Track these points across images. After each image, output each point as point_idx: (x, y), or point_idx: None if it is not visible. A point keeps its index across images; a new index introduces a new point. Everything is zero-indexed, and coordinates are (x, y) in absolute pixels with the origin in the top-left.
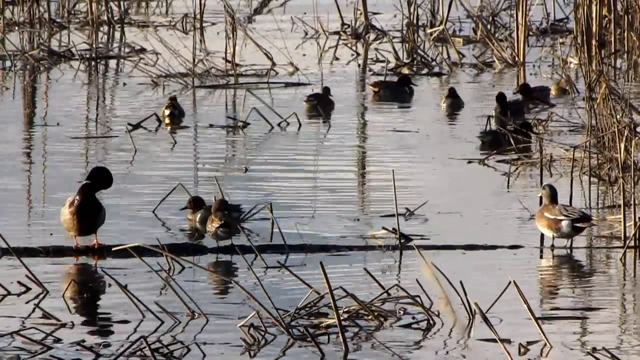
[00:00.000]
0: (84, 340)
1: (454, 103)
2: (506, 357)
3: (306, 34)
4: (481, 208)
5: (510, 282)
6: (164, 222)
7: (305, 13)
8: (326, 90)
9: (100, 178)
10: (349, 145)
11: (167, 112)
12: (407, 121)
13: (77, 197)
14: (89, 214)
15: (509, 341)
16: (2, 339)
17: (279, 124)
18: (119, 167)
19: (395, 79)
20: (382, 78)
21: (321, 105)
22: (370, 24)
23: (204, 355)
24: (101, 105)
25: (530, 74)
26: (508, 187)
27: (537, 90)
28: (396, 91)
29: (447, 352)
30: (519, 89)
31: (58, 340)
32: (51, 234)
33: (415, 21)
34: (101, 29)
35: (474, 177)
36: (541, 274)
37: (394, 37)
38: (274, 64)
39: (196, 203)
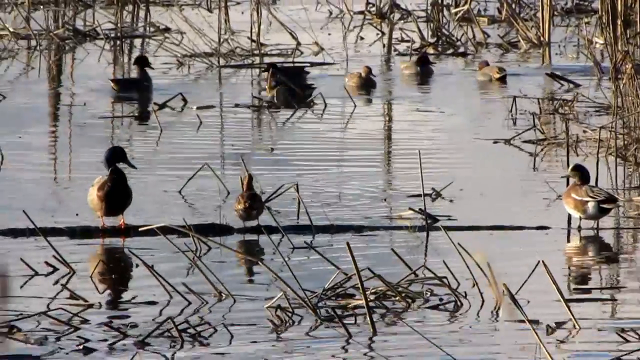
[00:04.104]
0: (111, 321)
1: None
2: (535, 339)
3: (331, 13)
4: (507, 188)
5: (538, 262)
6: (190, 202)
7: None
8: (368, 69)
9: (117, 156)
10: (375, 126)
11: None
12: (431, 101)
13: (108, 182)
14: (117, 198)
15: (537, 322)
16: (29, 319)
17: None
18: (144, 147)
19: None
20: (407, 58)
21: (362, 84)
22: (395, 3)
23: (232, 336)
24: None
25: (556, 54)
26: (534, 168)
27: None
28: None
29: (475, 334)
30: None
31: (85, 321)
32: (77, 214)
33: (440, 1)
34: (126, 8)
35: (500, 157)
36: (568, 255)
37: (418, 17)
38: (298, 44)
39: None
